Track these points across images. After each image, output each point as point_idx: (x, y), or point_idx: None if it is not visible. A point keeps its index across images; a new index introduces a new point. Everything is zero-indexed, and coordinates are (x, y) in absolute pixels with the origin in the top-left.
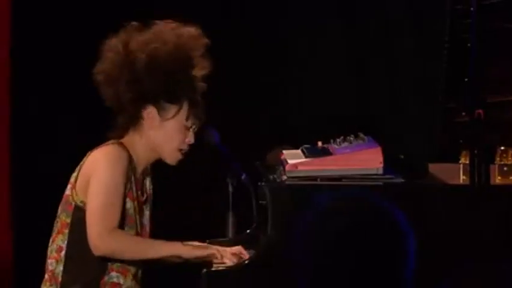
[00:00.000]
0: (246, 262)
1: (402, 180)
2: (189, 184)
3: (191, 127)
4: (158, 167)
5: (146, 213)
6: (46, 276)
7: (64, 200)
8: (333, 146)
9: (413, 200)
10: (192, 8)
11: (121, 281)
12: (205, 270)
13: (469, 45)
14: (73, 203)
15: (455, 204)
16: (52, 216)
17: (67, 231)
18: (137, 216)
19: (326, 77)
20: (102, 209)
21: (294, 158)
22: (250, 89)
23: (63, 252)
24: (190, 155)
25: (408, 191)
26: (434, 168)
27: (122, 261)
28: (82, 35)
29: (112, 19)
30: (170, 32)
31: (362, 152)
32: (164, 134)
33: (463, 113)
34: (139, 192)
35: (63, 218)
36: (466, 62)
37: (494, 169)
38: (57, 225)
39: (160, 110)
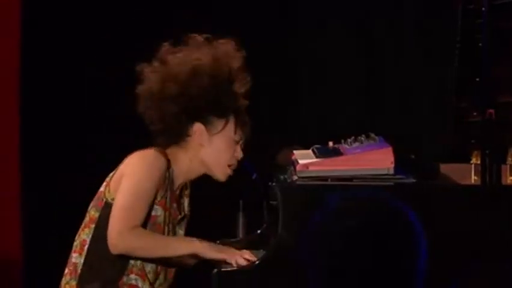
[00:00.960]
0: (257, 262)
1: (414, 181)
2: (200, 184)
3: (239, 141)
4: None
5: (180, 232)
6: (67, 270)
7: (96, 195)
8: (344, 146)
9: (424, 200)
10: (208, 10)
11: (139, 284)
12: (215, 270)
13: (480, 45)
14: (104, 199)
15: (466, 205)
16: (62, 216)
17: (93, 225)
18: (166, 228)
19: (338, 77)
20: (126, 209)
21: (304, 158)
22: (260, 89)
23: (86, 246)
24: None
25: (420, 191)
26: (446, 168)
27: (141, 262)
28: (95, 37)
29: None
30: (206, 45)
31: (372, 152)
32: (213, 149)
33: (475, 113)
34: (174, 205)
35: (92, 212)
36: (478, 62)
37: (505, 169)
38: (85, 220)
39: (207, 125)
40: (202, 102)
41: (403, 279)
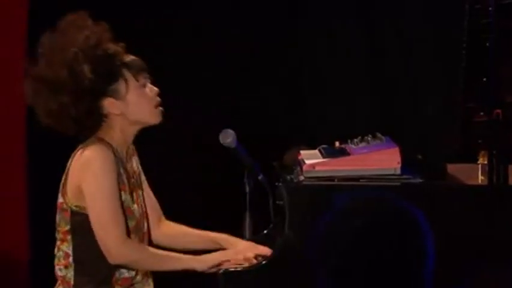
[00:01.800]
0: (264, 262)
1: (420, 181)
2: (206, 184)
3: (146, 81)
4: (174, 167)
5: (140, 193)
6: (58, 281)
7: (58, 208)
8: (350, 146)
9: (431, 200)
10: (216, 12)
11: (132, 274)
12: (222, 270)
13: (487, 45)
14: (68, 209)
15: (473, 205)
16: None
17: (69, 237)
18: (135, 205)
19: (344, 77)
20: (108, 216)
21: (311, 158)
22: (267, 89)
23: (71, 258)
24: (208, 155)
25: (426, 191)
26: (452, 168)
27: None
28: None
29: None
30: (77, 34)
31: (379, 152)
32: (133, 107)
33: (482, 113)
34: (131, 180)
35: (62, 226)
36: (485, 62)
37: None
38: (59, 235)
39: (113, 95)
40: (94, 83)
41: (410, 279)
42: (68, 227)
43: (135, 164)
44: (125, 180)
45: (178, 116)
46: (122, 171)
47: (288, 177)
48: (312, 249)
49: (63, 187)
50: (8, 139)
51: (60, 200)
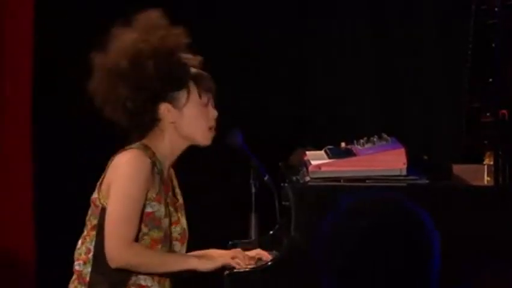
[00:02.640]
0: (269, 263)
1: (426, 181)
2: (212, 185)
3: (208, 102)
4: (179, 167)
5: (182, 219)
6: (74, 276)
7: (92, 202)
8: (356, 147)
9: (437, 201)
10: (218, 11)
11: (149, 283)
12: (227, 272)
13: (493, 45)
14: (100, 205)
15: (479, 205)
16: (74, 217)
17: (94, 233)
18: (167, 220)
19: (350, 78)
20: (120, 223)
21: (317, 159)
22: (273, 89)
23: (91, 254)
24: (214, 155)
25: (432, 192)
26: (458, 169)
27: None
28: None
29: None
30: (151, 31)
31: (385, 152)
32: (188, 121)
33: (487, 114)
34: (170, 194)
35: (92, 220)
36: (491, 63)
37: None
38: (86, 228)
39: (171, 101)
40: (156, 83)
41: (416, 280)
42: (95, 222)
43: (179, 192)
44: (163, 194)
45: None
46: (159, 182)
47: (294, 178)
48: (318, 250)
49: (99, 184)
50: (14, 139)
51: (94, 195)
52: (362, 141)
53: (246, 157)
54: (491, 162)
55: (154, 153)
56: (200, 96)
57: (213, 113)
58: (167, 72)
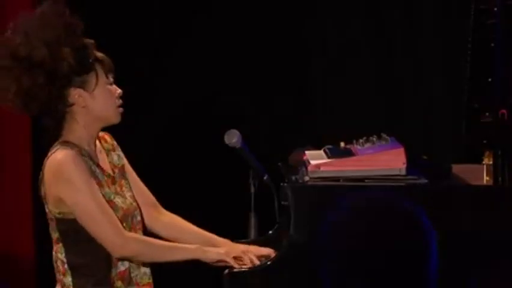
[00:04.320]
0: (269, 263)
1: (426, 181)
2: (211, 185)
3: (112, 81)
4: (179, 167)
5: (126, 184)
6: (58, 284)
7: (47, 217)
8: (355, 147)
9: (436, 200)
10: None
11: (126, 265)
12: (227, 271)
13: (492, 45)
14: (53, 217)
15: (478, 205)
16: None
17: (60, 244)
18: (118, 197)
19: (350, 78)
20: (99, 215)
21: (316, 159)
22: (273, 89)
23: (66, 265)
24: (213, 155)
25: (432, 192)
26: (458, 168)
27: None
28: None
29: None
30: (55, 17)
31: (384, 152)
32: (99, 103)
33: (487, 113)
34: (107, 173)
35: (52, 233)
36: (490, 62)
37: None
38: (53, 243)
39: (82, 86)
40: (69, 67)
41: (415, 280)
42: (57, 235)
43: (116, 158)
44: (100, 176)
45: (183, 116)
46: (94, 167)
47: (293, 177)
48: (317, 250)
49: (44, 197)
50: (14, 139)
51: (46, 209)
52: (361, 140)
53: (245, 157)
54: (491, 162)
55: (75, 145)
56: (107, 77)
57: (118, 92)
58: (78, 57)
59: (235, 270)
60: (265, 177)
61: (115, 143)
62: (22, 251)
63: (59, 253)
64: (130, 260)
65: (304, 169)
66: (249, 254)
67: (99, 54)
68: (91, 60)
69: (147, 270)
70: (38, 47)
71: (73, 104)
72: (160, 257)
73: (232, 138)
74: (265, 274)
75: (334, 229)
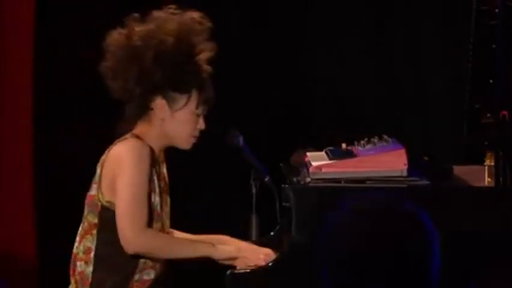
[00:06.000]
0: (270, 264)
1: (427, 182)
2: (213, 186)
3: (201, 114)
4: (180, 168)
5: (168, 200)
6: (73, 280)
7: (89, 200)
8: (357, 148)
9: (437, 202)
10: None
11: (152, 276)
12: (229, 271)
13: (494, 46)
14: (99, 204)
15: (480, 206)
16: (75, 214)
17: (95, 231)
18: (161, 209)
19: (352, 79)
20: (131, 209)
21: (318, 160)
22: (274, 90)
23: (92, 254)
24: (215, 156)
25: (433, 193)
26: (459, 170)
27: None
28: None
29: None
30: (172, 21)
31: (386, 153)
32: (176, 124)
33: (488, 115)
34: (162, 183)
35: (90, 218)
36: (492, 63)
37: None
38: (83, 226)
39: (169, 101)
40: (163, 81)
41: (416, 281)
42: (96, 221)
43: (165, 171)
44: (156, 183)
45: None
46: (154, 172)
47: (295, 178)
48: (318, 251)
49: (98, 180)
50: (15, 139)
51: (93, 192)
52: (362, 142)
53: (246, 158)
54: (492, 163)
55: (146, 143)
56: (197, 107)
57: (201, 125)
58: (179, 72)
59: (237, 271)
60: (266, 179)
61: (163, 154)
62: (23, 250)
63: (88, 240)
64: (147, 257)
65: (305, 170)
66: (259, 254)
67: (204, 82)
68: (190, 84)
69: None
70: (167, 40)
71: (152, 109)
72: (170, 252)
73: (234, 139)
74: (266, 275)
75: (335, 230)
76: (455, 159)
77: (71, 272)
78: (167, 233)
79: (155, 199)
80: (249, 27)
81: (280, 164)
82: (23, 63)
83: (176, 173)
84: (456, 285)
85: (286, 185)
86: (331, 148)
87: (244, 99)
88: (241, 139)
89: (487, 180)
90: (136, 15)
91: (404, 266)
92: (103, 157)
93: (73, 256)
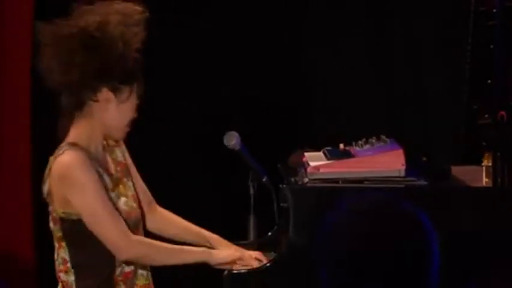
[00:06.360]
0: (268, 264)
1: (425, 183)
2: (210, 186)
3: (137, 103)
4: (179, 169)
5: (129, 184)
6: (60, 286)
7: (50, 215)
8: (355, 148)
9: (435, 202)
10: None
11: (132, 268)
12: (226, 272)
13: (492, 46)
14: (57, 217)
15: (477, 207)
16: None
17: (64, 243)
18: (122, 198)
19: (350, 78)
20: (105, 216)
21: (315, 160)
22: (272, 91)
23: (69, 264)
24: (212, 157)
25: (431, 194)
26: (457, 170)
27: None
28: None
29: None
30: (116, 12)
31: (383, 154)
32: (117, 115)
33: (486, 115)
34: (113, 174)
35: (55, 232)
36: (490, 64)
37: None
38: (55, 239)
39: (116, 92)
40: (112, 72)
41: (415, 281)
42: (60, 234)
43: (120, 154)
44: (107, 179)
45: (182, 118)
46: (101, 171)
47: (293, 179)
48: (316, 251)
49: (48, 197)
50: (14, 139)
51: (49, 208)
52: (360, 142)
53: (244, 158)
54: (490, 164)
55: (82, 147)
56: (138, 98)
57: (135, 113)
58: (130, 62)
59: (234, 271)
60: (264, 179)
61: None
62: (22, 251)
63: (62, 252)
64: (135, 263)
65: (303, 171)
66: (252, 257)
67: (141, 74)
68: (134, 77)
69: (144, 272)
70: (115, 41)
71: (96, 101)
72: (165, 260)
73: (231, 140)
74: (264, 275)
75: (333, 231)
76: (452, 159)
77: (58, 279)
78: (159, 212)
79: (110, 195)
80: (248, 27)
81: (278, 165)
82: (23, 63)
83: (174, 173)
84: (455, 285)
85: (284, 186)
86: (329, 148)
87: (242, 99)
88: (238, 140)
89: (485, 181)
90: (84, 7)
91: (403, 266)
92: (46, 173)
93: (55, 265)
